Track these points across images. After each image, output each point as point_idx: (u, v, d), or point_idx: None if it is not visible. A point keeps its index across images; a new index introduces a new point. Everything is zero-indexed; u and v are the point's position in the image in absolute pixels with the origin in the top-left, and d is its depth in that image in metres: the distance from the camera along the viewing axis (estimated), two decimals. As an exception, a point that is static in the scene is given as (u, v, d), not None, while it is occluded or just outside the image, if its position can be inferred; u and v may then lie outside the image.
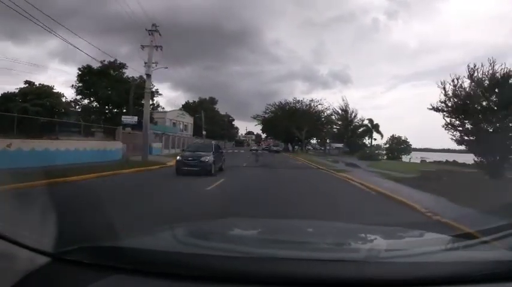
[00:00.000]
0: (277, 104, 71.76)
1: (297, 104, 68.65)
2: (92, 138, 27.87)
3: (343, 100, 71.70)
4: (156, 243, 1.69)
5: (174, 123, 65.78)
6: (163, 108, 67.23)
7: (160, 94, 44.13)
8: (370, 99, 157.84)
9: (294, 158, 43.25)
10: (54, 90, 36.91)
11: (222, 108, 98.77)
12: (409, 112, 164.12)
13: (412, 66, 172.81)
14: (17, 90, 35.92)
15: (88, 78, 38.37)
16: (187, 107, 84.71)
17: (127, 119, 25.69)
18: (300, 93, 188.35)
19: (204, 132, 60.84)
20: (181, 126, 69.17)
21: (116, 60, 39.52)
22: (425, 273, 1.30)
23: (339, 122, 68.82)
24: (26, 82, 37.21)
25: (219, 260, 1.32)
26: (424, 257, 1.58)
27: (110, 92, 35.53)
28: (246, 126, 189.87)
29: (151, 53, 26.58)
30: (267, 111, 72.66)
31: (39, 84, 37.29)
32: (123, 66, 40.36)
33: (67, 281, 1.26)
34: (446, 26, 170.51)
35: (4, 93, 36.06)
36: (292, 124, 63.54)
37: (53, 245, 1.35)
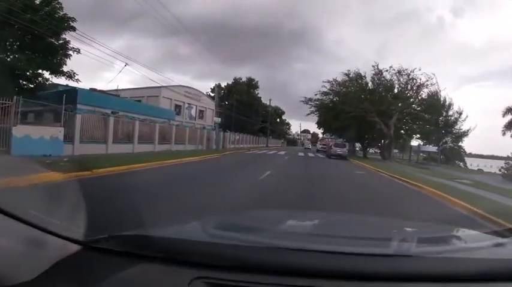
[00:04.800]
0: (338, 80, 40.93)
1: (376, 77, 38.73)
2: None
3: (429, 79, 39.01)
4: (184, 233, 1.69)
5: (177, 105, 42.35)
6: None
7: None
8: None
9: (393, 182, 16.19)
10: None
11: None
12: (475, 114, 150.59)
13: (478, 66, 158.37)
14: None
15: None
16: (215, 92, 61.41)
17: None
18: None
19: (216, 119, 35.99)
20: (192, 112, 45.63)
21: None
22: (453, 269, 1.29)
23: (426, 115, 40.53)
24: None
25: (246, 250, 1.34)
26: (454, 253, 1.61)
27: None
28: (300, 123, 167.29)
29: None
30: (324, 91, 42.09)
31: None
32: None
33: (97, 267, 1.28)
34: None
35: None
36: (368, 109, 35.95)
37: (83, 234, 1.39)
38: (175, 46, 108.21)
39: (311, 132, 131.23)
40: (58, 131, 16.19)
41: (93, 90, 31.17)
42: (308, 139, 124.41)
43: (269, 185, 11.38)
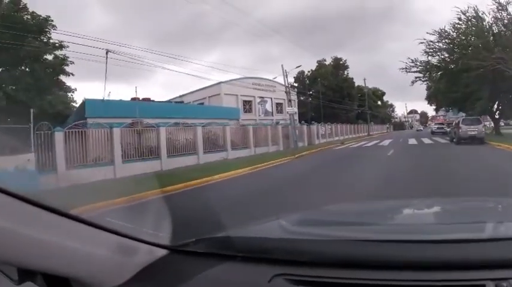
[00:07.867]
0: (448, 29, 27.36)
1: (499, 13, 24.74)
2: None
3: None
4: (263, 231, 1.65)
5: (246, 101, 35.58)
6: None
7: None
8: None
9: None
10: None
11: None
12: None
13: None
14: None
15: None
16: (300, 81, 53.43)
17: None
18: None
19: (289, 110, 27.64)
20: (267, 106, 38.41)
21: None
22: None
23: None
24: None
25: (325, 244, 1.31)
26: None
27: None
28: (405, 103, 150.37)
29: None
30: (434, 46, 28.31)
31: None
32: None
33: (184, 268, 1.33)
34: None
35: None
36: (502, 60, 24.04)
37: (170, 239, 1.44)
38: (262, 49, 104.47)
39: (419, 112, 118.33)
40: (26, 159, 11.04)
41: (134, 99, 25.87)
42: (417, 120, 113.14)
43: None
